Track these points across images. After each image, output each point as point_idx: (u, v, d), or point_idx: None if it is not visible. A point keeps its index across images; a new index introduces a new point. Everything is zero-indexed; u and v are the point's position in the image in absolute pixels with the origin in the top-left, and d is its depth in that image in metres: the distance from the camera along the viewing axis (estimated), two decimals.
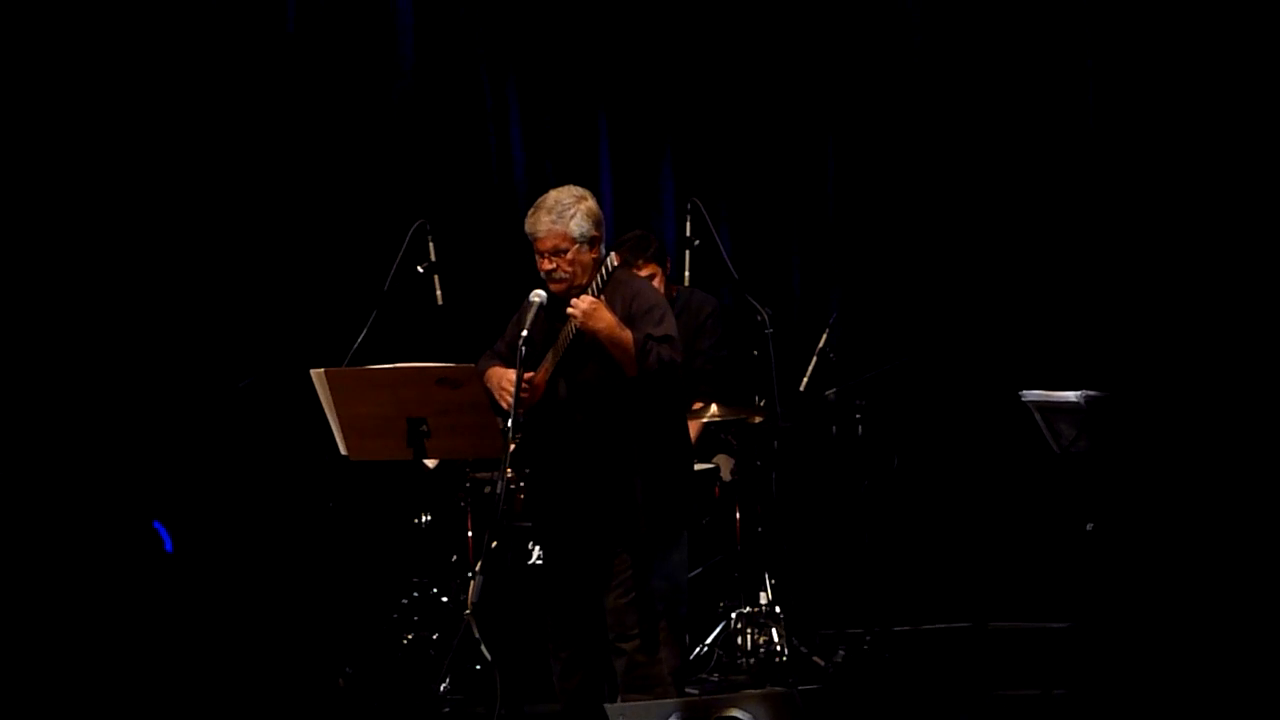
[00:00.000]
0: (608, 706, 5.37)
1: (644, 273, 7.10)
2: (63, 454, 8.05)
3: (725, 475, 7.55)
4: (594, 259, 5.77)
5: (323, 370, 6.33)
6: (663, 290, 7.37)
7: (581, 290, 5.70)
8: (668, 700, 5.46)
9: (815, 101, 9.00)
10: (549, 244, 5.75)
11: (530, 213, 5.79)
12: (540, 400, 5.79)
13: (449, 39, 8.99)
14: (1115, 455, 6.70)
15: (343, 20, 8.87)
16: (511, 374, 5.73)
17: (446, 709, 6.87)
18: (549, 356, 5.78)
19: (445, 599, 7.52)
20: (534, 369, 5.77)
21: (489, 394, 5.87)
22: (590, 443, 5.75)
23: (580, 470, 5.77)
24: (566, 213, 5.73)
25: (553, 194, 5.80)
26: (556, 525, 5.87)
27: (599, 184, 8.94)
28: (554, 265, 5.76)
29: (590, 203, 5.79)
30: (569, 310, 5.63)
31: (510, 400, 5.70)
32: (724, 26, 9.01)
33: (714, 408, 7.31)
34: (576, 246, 5.74)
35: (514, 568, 7.21)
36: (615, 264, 5.68)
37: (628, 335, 5.62)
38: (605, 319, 5.60)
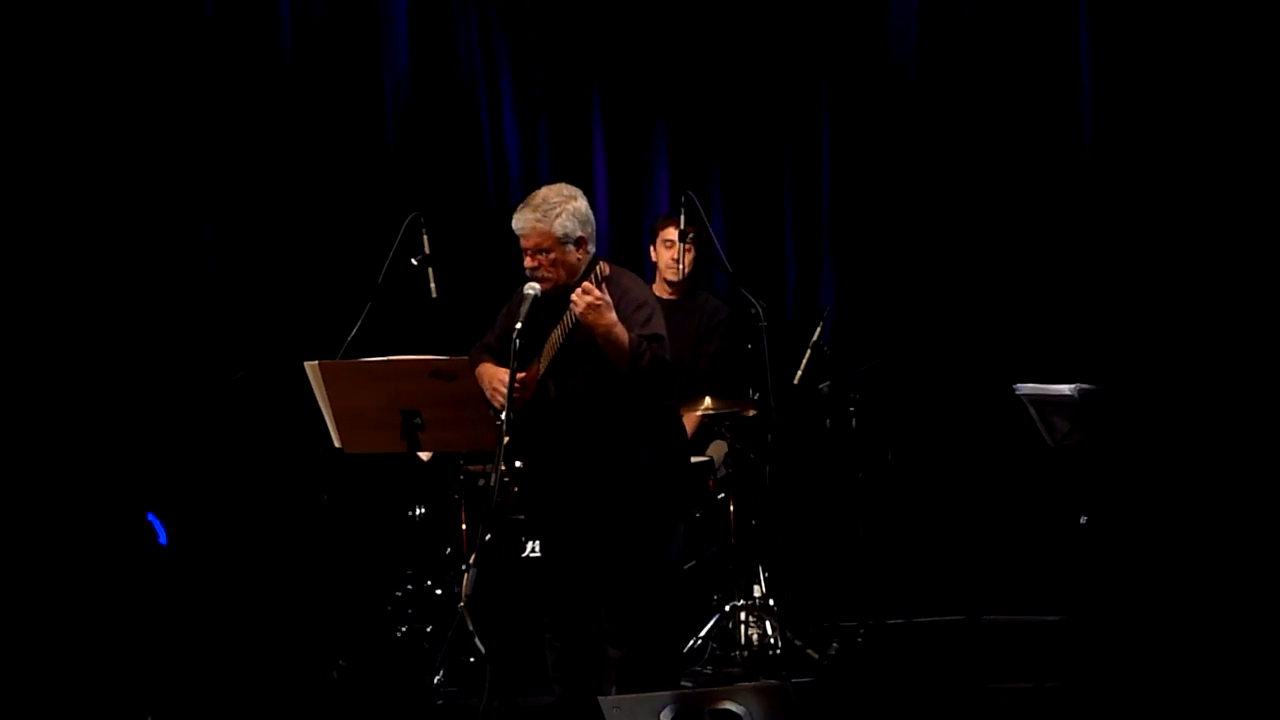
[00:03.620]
0: (601, 699, 5.38)
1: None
2: (56, 447, 8.04)
3: (718, 459, 7.57)
4: (579, 260, 5.73)
5: (316, 363, 6.32)
6: (687, 270, 7.48)
7: (567, 290, 5.66)
8: (662, 693, 5.47)
9: (810, 94, 8.99)
10: (531, 242, 5.73)
11: (518, 209, 5.78)
12: (530, 400, 5.79)
13: (442, 33, 8.98)
14: (1109, 448, 6.70)
15: (337, 14, 8.86)
16: (503, 373, 5.72)
17: (440, 701, 6.88)
18: (541, 356, 5.78)
19: (439, 591, 7.52)
20: (525, 367, 5.77)
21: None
22: (581, 441, 5.75)
23: (572, 467, 5.77)
24: (552, 211, 5.70)
25: (542, 191, 5.78)
26: (551, 520, 5.88)
27: (592, 171, 8.93)
28: (536, 264, 5.74)
29: (579, 203, 5.75)
30: (572, 297, 5.57)
31: (503, 400, 5.69)
32: (717, 14, 8.99)
33: (708, 400, 7.33)
34: (560, 247, 5.71)
35: (508, 560, 7.21)
36: (605, 273, 5.63)
37: (625, 334, 5.60)
38: (607, 316, 5.57)
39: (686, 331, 7.49)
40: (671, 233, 7.67)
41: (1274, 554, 7.41)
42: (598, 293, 5.54)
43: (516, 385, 5.71)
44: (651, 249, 7.84)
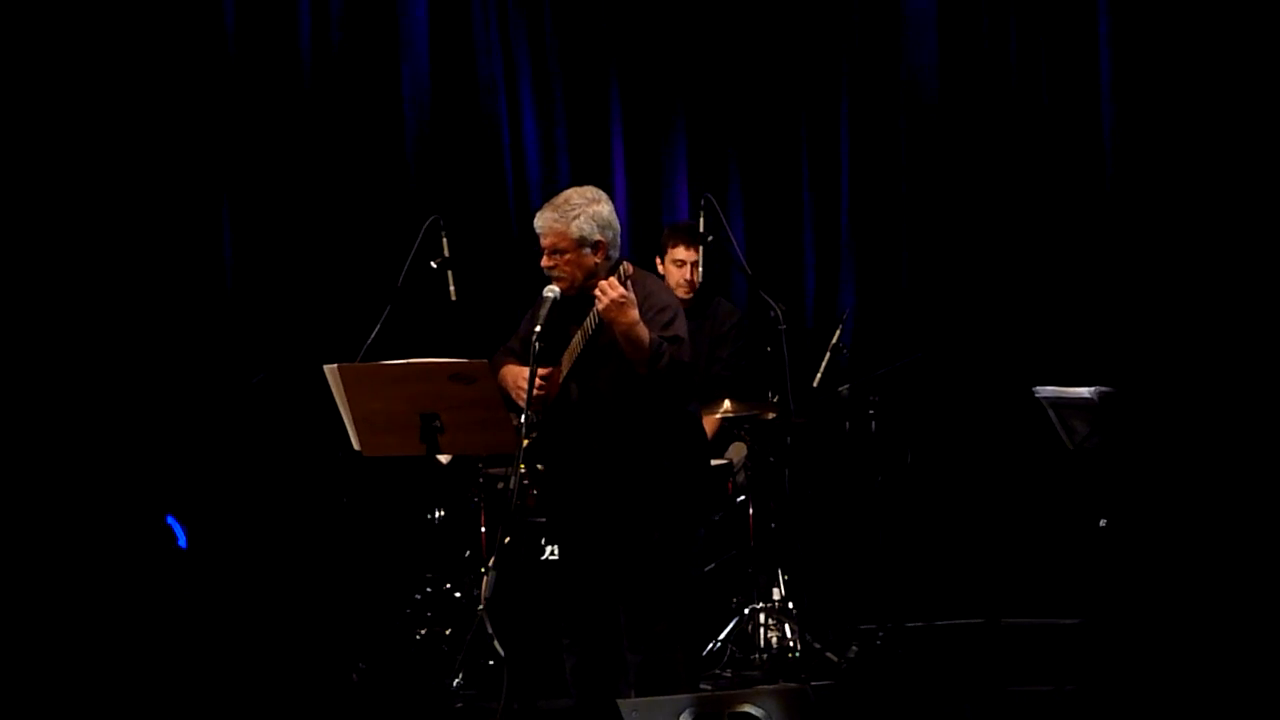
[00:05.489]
0: (620, 702, 5.37)
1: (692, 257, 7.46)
2: (77, 450, 8.06)
3: (736, 461, 7.56)
4: (596, 264, 5.73)
5: (336, 366, 6.31)
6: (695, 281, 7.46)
7: (586, 293, 5.68)
8: (681, 696, 5.46)
9: (829, 96, 8.99)
10: (548, 241, 5.74)
11: (542, 207, 5.79)
12: (553, 402, 5.80)
13: (461, 35, 8.99)
14: (1128, 451, 6.69)
15: (356, 17, 8.88)
16: (526, 372, 5.73)
17: (459, 704, 6.88)
18: (564, 358, 5.79)
19: (458, 594, 7.53)
20: (548, 366, 5.77)
21: (504, 391, 5.87)
22: (603, 444, 5.75)
23: (594, 470, 5.77)
24: (571, 213, 5.70)
25: (567, 192, 5.79)
26: (572, 523, 5.88)
27: (612, 173, 8.95)
28: (552, 264, 5.75)
29: (600, 207, 5.74)
30: (596, 293, 5.57)
31: (525, 399, 5.70)
32: (736, 14, 9.00)
33: (727, 403, 7.33)
34: (576, 249, 5.71)
35: (527, 563, 7.22)
36: (629, 273, 5.62)
37: (645, 334, 5.60)
38: (629, 314, 5.56)
39: (700, 338, 7.47)
40: (681, 252, 7.57)
41: None
42: (621, 289, 5.53)
43: (539, 383, 5.72)
44: (659, 264, 7.70)
